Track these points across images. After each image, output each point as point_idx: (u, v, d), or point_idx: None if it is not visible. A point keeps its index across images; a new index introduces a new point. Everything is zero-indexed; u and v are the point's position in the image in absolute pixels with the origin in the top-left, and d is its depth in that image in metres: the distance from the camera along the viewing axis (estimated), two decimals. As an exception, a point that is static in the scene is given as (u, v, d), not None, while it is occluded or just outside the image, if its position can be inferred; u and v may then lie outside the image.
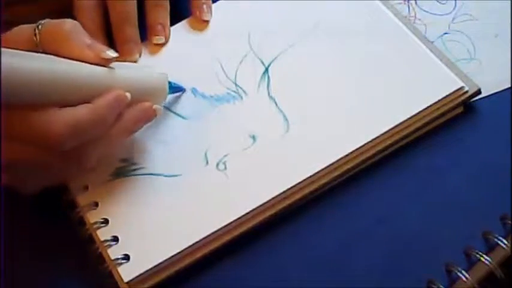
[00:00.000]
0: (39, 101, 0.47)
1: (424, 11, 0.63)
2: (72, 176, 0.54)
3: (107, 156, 0.53)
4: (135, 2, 0.59)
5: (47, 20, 0.50)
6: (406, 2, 0.63)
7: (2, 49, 0.45)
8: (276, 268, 0.53)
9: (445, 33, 0.62)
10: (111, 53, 0.51)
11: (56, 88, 0.47)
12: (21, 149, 0.47)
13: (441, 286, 0.49)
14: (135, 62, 0.60)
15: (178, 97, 0.59)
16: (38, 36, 0.49)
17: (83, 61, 0.50)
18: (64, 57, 0.49)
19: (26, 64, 0.46)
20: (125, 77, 0.52)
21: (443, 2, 0.63)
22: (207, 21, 0.62)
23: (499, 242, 0.50)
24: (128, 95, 0.51)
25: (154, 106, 0.54)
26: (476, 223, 0.52)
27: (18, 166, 0.48)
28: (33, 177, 0.50)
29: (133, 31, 0.59)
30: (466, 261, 0.50)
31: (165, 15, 0.61)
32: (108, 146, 0.51)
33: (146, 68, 0.57)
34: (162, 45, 0.62)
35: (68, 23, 0.50)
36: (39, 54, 0.48)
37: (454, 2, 0.63)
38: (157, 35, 0.61)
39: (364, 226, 0.53)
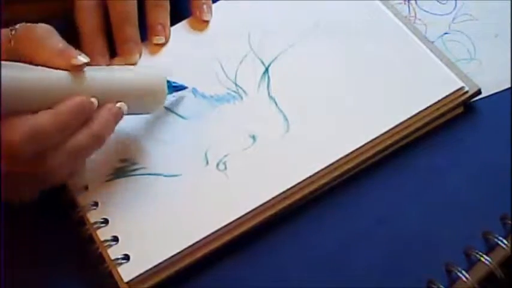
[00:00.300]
0: (5, 110, 0.46)
1: (424, 11, 0.63)
2: (45, 185, 0.52)
3: (80, 163, 0.52)
4: (136, 2, 0.59)
5: (21, 24, 0.50)
6: (406, 2, 0.63)
7: None
8: (276, 268, 0.53)
9: (446, 33, 0.62)
10: (83, 58, 0.50)
11: (21, 97, 0.47)
12: None
13: (441, 286, 0.49)
14: (135, 62, 0.59)
15: (181, 97, 0.59)
16: (12, 41, 0.49)
17: (54, 68, 0.49)
18: (38, 63, 0.49)
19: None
20: (106, 81, 0.52)
21: (444, 2, 0.63)
22: (207, 22, 0.62)
23: (499, 242, 0.50)
24: (94, 100, 0.50)
25: (119, 104, 0.52)
26: (476, 223, 0.52)
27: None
28: (4, 188, 0.49)
29: (133, 31, 0.59)
30: (466, 261, 0.50)
31: (165, 16, 0.61)
32: (78, 152, 0.50)
33: (145, 69, 0.57)
34: (162, 45, 0.61)
35: (41, 28, 0.49)
36: (8, 63, 0.48)
37: (454, 2, 0.63)
38: (158, 35, 0.61)
39: (364, 226, 0.53)
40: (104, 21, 0.59)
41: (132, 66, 0.59)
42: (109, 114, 0.51)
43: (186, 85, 0.59)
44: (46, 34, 0.49)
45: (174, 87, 0.57)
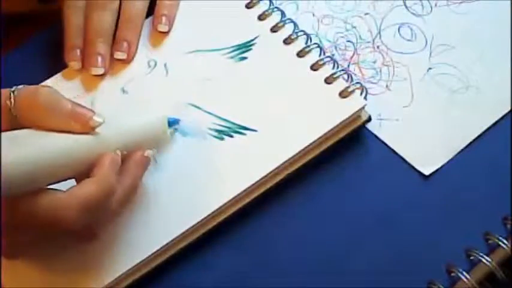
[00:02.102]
0: (35, 185, 0.45)
1: (398, 52, 0.61)
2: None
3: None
4: (115, 16, 0.59)
5: (21, 88, 0.47)
6: (377, 49, 0.61)
7: None
8: (276, 268, 0.53)
9: (430, 68, 0.60)
10: (98, 118, 0.48)
11: (49, 170, 0.46)
12: (30, 236, 0.46)
13: (441, 286, 0.50)
14: (97, 74, 0.59)
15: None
16: (13, 105, 0.46)
17: (67, 131, 0.47)
18: (45, 128, 0.46)
19: (18, 154, 0.44)
20: (120, 134, 0.50)
21: (412, 39, 0.61)
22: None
23: (500, 242, 0.50)
24: (119, 153, 0.49)
25: (146, 153, 0.51)
26: (477, 223, 0.52)
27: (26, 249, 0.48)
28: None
29: (104, 46, 0.58)
30: (467, 262, 0.51)
31: (134, 33, 0.60)
32: (118, 210, 0.50)
33: (143, 115, 0.54)
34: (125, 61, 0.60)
35: (43, 94, 0.47)
36: (23, 134, 0.46)
37: (423, 37, 0.61)
38: (120, 51, 0.59)
39: (365, 226, 0.53)
40: None
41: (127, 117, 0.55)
42: (136, 165, 0.50)
43: (178, 118, 0.56)
44: (51, 98, 0.47)
45: (171, 124, 0.55)
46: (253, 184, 0.53)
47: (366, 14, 0.63)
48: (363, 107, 0.56)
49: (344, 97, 0.56)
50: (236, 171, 0.54)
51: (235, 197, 0.53)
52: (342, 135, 0.56)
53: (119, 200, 0.48)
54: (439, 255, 0.51)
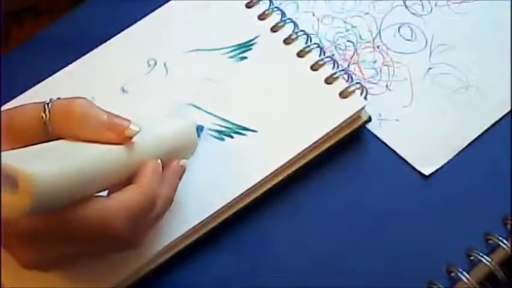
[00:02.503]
0: (72, 197, 0.44)
1: (399, 52, 0.61)
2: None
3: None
4: None
5: (55, 101, 0.46)
6: (377, 49, 0.60)
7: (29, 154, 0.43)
8: (276, 269, 0.53)
9: (430, 69, 0.60)
10: (134, 127, 0.47)
11: (86, 181, 0.44)
12: (73, 249, 0.45)
13: (441, 286, 0.50)
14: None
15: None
16: (48, 118, 0.46)
17: (103, 142, 0.46)
18: (80, 140, 0.46)
19: (55, 165, 0.43)
20: (154, 143, 0.49)
21: (413, 39, 0.61)
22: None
23: (500, 242, 0.51)
24: (159, 161, 0.48)
25: (181, 162, 0.50)
26: (477, 224, 0.52)
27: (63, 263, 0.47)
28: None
29: None
30: (467, 262, 0.51)
31: None
32: (157, 219, 0.49)
33: (173, 121, 0.54)
34: None
35: (79, 105, 0.46)
36: (59, 146, 0.45)
37: (423, 37, 0.61)
38: None
39: (365, 226, 0.54)
40: None
41: (163, 119, 0.55)
42: (174, 175, 0.50)
43: (202, 125, 0.56)
44: (86, 109, 0.46)
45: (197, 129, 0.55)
46: (253, 185, 0.53)
47: (366, 13, 0.62)
48: (363, 107, 0.56)
49: (344, 97, 0.56)
50: (236, 171, 0.54)
51: (236, 197, 0.53)
52: (342, 135, 0.56)
53: (159, 209, 0.48)
54: (439, 255, 0.52)
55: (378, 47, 0.61)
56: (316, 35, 0.61)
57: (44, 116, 0.46)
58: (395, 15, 0.62)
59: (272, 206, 0.55)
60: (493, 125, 0.57)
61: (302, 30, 0.59)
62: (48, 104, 0.46)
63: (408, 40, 0.61)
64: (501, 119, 0.57)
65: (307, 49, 0.58)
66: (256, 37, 0.59)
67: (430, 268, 0.51)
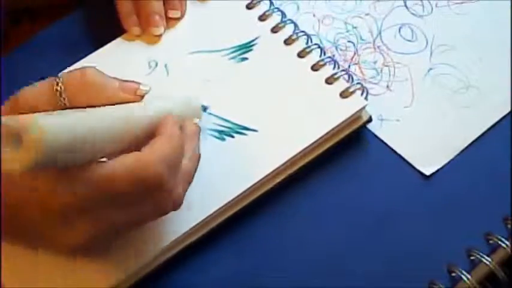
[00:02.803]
0: (97, 152, 0.44)
1: (399, 53, 0.61)
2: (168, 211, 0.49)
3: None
4: None
5: (63, 73, 0.47)
6: (378, 50, 0.60)
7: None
8: (276, 269, 0.52)
9: (430, 69, 0.60)
10: (145, 87, 0.49)
11: (110, 137, 0.45)
12: (126, 211, 0.45)
13: (442, 286, 0.50)
14: (159, 33, 0.60)
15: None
16: (62, 91, 0.46)
17: (118, 103, 0.48)
18: (98, 105, 0.46)
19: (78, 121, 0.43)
20: (161, 107, 0.50)
21: (413, 39, 0.61)
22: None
23: (501, 243, 0.51)
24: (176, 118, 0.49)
25: (196, 121, 0.52)
26: (478, 224, 0.52)
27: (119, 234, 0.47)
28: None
29: (159, 4, 0.60)
30: (468, 262, 0.51)
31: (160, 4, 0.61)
32: (189, 176, 0.49)
33: (177, 95, 0.54)
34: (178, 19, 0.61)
35: (90, 72, 0.47)
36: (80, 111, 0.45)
37: (423, 37, 0.61)
38: (174, 10, 0.61)
39: (366, 226, 0.54)
40: None
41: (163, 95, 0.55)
42: (193, 132, 0.50)
43: (205, 104, 0.57)
44: (98, 76, 0.47)
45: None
46: (253, 184, 0.53)
47: (367, 14, 0.62)
48: (364, 107, 0.56)
49: (345, 97, 0.56)
50: (237, 171, 0.54)
51: (236, 197, 0.53)
52: (342, 135, 0.56)
53: (188, 164, 0.48)
54: (439, 255, 0.52)
55: (378, 47, 0.61)
56: (316, 36, 0.61)
57: (58, 88, 0.46)
58: (396, 16, 0.62)
59: (272, 206, 0.55)
60: (493, 125, 0.57)
61: (302, 31, 0.59)
62: (59, 77, 0.46)
63: (409, 41, 0.61)
64: (501, 119, 0.57)
65: (307, 49, 0.58)
66: (256, 38, 0.60)
67: (431, 268, 0.51)
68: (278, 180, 0.54)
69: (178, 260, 0.52)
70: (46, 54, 0.62)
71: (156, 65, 0.59)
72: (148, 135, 0.47)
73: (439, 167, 0.55)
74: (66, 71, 0.48)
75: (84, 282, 0.49)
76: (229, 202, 0.53)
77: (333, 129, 0.55)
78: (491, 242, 0.51)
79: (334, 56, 0.60)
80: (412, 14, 0.62)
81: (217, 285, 0.52)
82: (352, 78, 0.57)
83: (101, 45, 0.60)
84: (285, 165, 0.54)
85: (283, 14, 0.60)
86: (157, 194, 0.45)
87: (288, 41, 0.59)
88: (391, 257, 0.52)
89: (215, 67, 0.58)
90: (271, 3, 0.61)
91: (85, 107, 0.46)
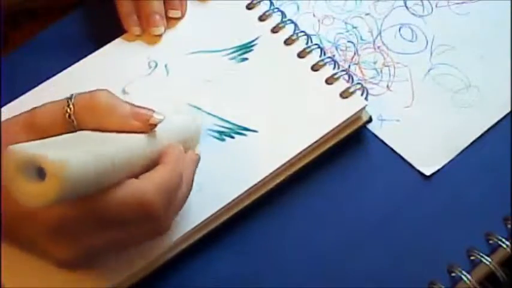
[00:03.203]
0: (100, 184, 0.44)
1: (399, 53, 0.61)
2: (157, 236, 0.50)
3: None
4: None
5: (76, 94, 0.47)
6: (378, 50, 0.60)
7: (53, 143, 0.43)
8: (276, 269, 0.52)
9: (431, 69, 0.60)
10: (158, 116, 0.48)
11: (119, 169, 0.45)
12: (116, 234, 0.45)
13: (442, 286, 0.50)
14: (160, 33, 0.60)
15: None
16: (72, 113, 0.46)
17: (127, 131, 0.47)
18: (106, 130, 0.46)
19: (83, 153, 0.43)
20: (167, 133, 0.50)
21: (413, 40, 0.61)
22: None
23: (501, 243, 0.51)
24: (181, 147, 0.49)
25: (197, 151, 0.52)
26: (479, 224, 0.52)
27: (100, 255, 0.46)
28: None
29: (159, 4, 0.60)
30: (468, 262, 0.51)
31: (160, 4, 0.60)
32: (182, 202, 0.49)
33: (181, 116, 0.54)
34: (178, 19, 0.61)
35: (103, 96, 0.47)
36: (85, 135, 0.45)
37: (423, 37, 0.61)
38: (174, 9, 0.61)
39: (366, 226, 0.54)
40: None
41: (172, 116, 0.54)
42: (192, 162, 0.50)
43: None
44: (110, 100, 0.47)
45: None
46: (254, 185, 0.53)
47: (367, 14, 0.62)
48: (364, 107, 0.56)
49: (345, 97, 0.56)
50: (237, 172, 0.54)
51: (236, 198, 0.53)
52: (342, 135, 0.56)
53: (184, 190, 0.48)
54: (440, 255, 0.52)
55: (378, 47, 0.61)
56: (316, 36, 0.61)
57: (68, 110, 0.46)
58: (396, 16, 0.62)
59: (273, 207, 0.54)
60: (493, 125, 0.57)
61: (302, 31, 0.59)
62: (70, 98, 0.47)
63: (409, 41, 0.61)
64: (502, 119, 0.57)
65: (307, 50, 0.58)
66: (256, 38, 0.60)
67: (431, 268, 0.51)
68: (278, 180, 0.54)
69: (178, 260, 0.52)
70: (46, 54, 0.61)
71: (156, 65, 0.59)
72: (151, 162, 0.47)
73: (439, 167, 0.55)
74: (78, 93, 0.47)
75: (84, 282, 0.49)
76: (229, 203, 0.53)
77: (333, 129, 0.55)
78: (491, 242, 0.51)
79: (334, 56, 0.60)
80: (412, 14, 0.62)
81: (218, 285, 0.52)
82: (352, 78, 0.57)
83: (101, 46, 0.60)
84: (285, 165, 0.54)
85: (283, 14, 0.60)
86: (150, 222, 0.46)
87: (288, 41, 0.59)
88: (391, 257, 0.52)
89: (215, 67, 0.58)
90: (271, 4, 0.61)
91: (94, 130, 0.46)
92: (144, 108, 0.48)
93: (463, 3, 0.62)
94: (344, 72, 0.57)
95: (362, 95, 0.56)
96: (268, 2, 0.61)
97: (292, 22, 0.60)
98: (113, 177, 0.44)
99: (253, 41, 0.60)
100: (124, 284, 0.50)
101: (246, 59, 0.59)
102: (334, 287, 0.52)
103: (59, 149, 0.42)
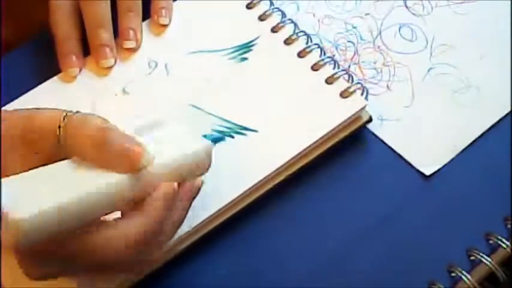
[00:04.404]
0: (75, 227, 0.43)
1: (399, 52, 0.61)
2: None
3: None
4: (109, 3, 0.59)
5: (71, 115, 0.45)
6: (378, 49, 0.60)
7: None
8: (276, 269, 0.52)
9: (431, 69, 0.60)
10: (148, 158, 0.45)
11: (91, 212, 0.44)
12: (77, 268, 0.45)
13: (442, 287, 0.50)
14: (109, 66, 0.59)
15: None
16: (61, 135, 0.45)
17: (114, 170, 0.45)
18: (90, 162, 0.45)
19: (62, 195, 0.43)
20: (165, 168, 0.47)
21: (413, 39, 0.61)
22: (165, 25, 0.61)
23: (501, 243, 0.51)
24: (175, 185, 0.46)
25: (197, 183, 0.49)
26: (479, 224, 0.52)
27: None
28: None
29: (107, 35, 0.59)
30: (468, 262, 0.51)
31: (137, 20, 0.60)
32: (165, 241, 0.48)
33: (188, 141, 0.50)
34: (134, 49, 0.60)
35: (93, 127, 0.45)
36: (64, 173, 0.44)
37: (423, 37, 0.61)
38: (128, 40, 0.60)
39: (366, 226, 0.54)
40: (78, 23, 0.59)
41: (179, 141, 0.51)
42: (187, 197, 0.48)
43: (222, 136, 0.56)
44: (100, 133, 0.44)
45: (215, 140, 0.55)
46: (253, 185, 0.53)
47: (367, 14, 0.62)
48: (364, 107, 0.56)
49: (345, 97, 0.56)
50: (236, 172, 0.53)
51: (236, 198, 0.53)
52: (342, 135, 0.56)
53: (168, 232, 0.47)
54: (439, 255, 0.52)
55: (378, 47, 0.61)
56: (316, 36, 0.61)
57: (58, 132, 0.44)
58: (396, 16, 0.62)
59: (272, 207, 0.54)
60: (493, 125, 0.57)
61: (302, 31, 0.59)
62: (65, 117, 0.45)
63: (409, 40, 0.61)
64: (502, 119, 0.57)
65: (307, 49, 0.58)
66: (256, 38, 0.59)
67: (431, 268, 0.51)
68: (278, 180, 0.54)
69: (178, 261, 0.52)
70: (46, 53, 0.61)
71: (156, 64, 0.59)
72: (138, 199, 0.45)
73: (439, 167, 0.55)
74: (72, 113, 0.45)
75: (83, 281, 0.49)
76: (229, 203, 0.53)
77: (333, 129, 0.55)
78: (491, 242, 0.51)
79: (334, 55, 0.60)
80: (412, 13, 0.62)
81: (218, 285, 0.52)
82: (352, 78, 0.57)
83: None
84: (285, 165, 0.54)
85: (283, 14, 0.60)
86: (123, 267, 0.46)
87: (288, 41, 0.59)
88: (390, 256, 0.52)
89: (215, 67, 0.58)
90: (271, 3, 0.61)
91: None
92: (136, 144, 0.45)
93: (462, 2, 0.62)
94: (344, 72, 0.57)
95: (362, 94, 0.56)
96: (268, 2, 0.61)
97: (292, 22, 0.59)
98: (86, 220, 0.44)
99: (252, 40, 0.60)
100: (124, 284, 0.51)
101: (246, 58, 0.59)
102: (334, 287, 0.52)
103: (32, 191, 0.43)
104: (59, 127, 0.45)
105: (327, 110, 0.55)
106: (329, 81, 0.57)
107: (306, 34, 0.59)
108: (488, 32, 0.61)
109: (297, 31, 0.59)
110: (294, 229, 0.54)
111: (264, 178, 0.53)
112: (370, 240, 0.53)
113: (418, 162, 0.55)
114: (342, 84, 0.56)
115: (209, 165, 0.49)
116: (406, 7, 0.63)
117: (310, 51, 0.58)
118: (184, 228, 0.51)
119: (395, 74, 0.59)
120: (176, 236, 0.51)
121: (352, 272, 0.52)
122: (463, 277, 0.50)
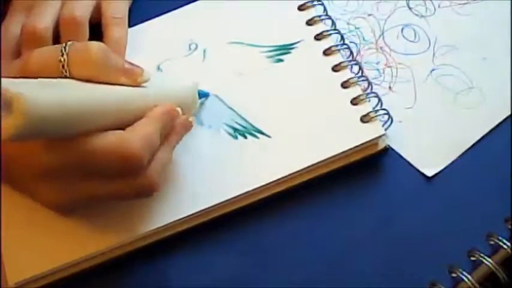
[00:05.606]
0: (85, 129, 0.45)
1: (401, 53, 0.61)
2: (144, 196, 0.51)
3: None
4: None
5: (71, 44, 0.48)
6: (380, 50, 0.60)
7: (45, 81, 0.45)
8: (276, 269, 0.53)
9: (433, 70, 0.60)
10: (147, 75, 0.50)
11: (100, 114, 0.46)
12: (102, 185, 0.47)
13: (443, 287, 0.50)
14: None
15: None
16: (65, 61, 0.47)
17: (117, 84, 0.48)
18: (96, 82, 0.47)
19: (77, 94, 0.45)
20: (159, 92, 0.51)
21: (416, 40, 0.61)
22: None
23: (502, 244, 0.51)
24: (179, 109, 0.51)
25: (190, 118, 0.53)
26: (480, 225, 0.52)
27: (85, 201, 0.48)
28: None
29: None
30: (469, 263, 0.51)
31: (123, 33, 0.59)
32: (165, 163, 0.50)
33: (175, 79, 0.55)
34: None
35: (96, 49, 0.48)
36: (71, 82, 0.47)
37: (426, 38, 0.61)
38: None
39: (367, 227, 0.54)
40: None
41: (161, 75, 0.57)
42: (182, 126, 0.51)
43: (209, 92, 0.57)
44: (103, 54, 0.48)
45: (200, 96, 0.56)
46: (252, 190, 0.53)
47: (369, 15, 0.62)
48: (381, 136, 0.55)
49: (365, 122, 0.55)
50: (240, 172, 0.54)
51: (234, 198, 0.53)
52: (353, 159, 0.55)
53: (166, 152, 0.49)
54: (441, 256, 0.52)
55: (381, 48, 0.61)
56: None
57: (62, 59, 0.47)
58: (399, 17, 0.62)
59: (272, 207, 0.55)
60: (496, 127, 0.57)
61: (346, 44, 0.58)
62: (65, 47, 0.47)
63: (411, 41, 0.61)
64: (504, 120, 0.57)
65: (343, 64, 0.57)
66: (298, 42, 0.59)
67: (432, 269, 0.51)
68: (277, 190, 0.54)
69: (179, 260, 0.53)
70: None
71: (196, 47, 0.59)
72: (139, 118, 0.48)
73: (441, 168, 0.55)
74: (71, 42, 0.48)
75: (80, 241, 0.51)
76: (226, 200, 0.53)
77: (343, 152, 0.54)
78: (492, 242, 0.52)
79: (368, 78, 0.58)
80: (415, 14, 0.62)
81: (218, 285, 0.52)
82: (381, 103, 0.56)
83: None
84: (287, 177, 0.54)
85: (333, 23, 0.59)
86: (133, 173, 0.47)
87: (327, 52, 0.58)
88: (392, 257, 0.52)
89: (250, 61, 0.58)
90: (325, 9, 0.60)
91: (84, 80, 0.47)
92: (135, 65, 0.49)
93: (466, 3, 0.62)
94: (373, 95, 0.56)
95: (387, 121, 0.55)
96: (322, 8, 0.60)
97: (339, 33, 0.59)
98: (91, 123, 0.45)
99: (294, 43, 0.59)
100: (124, 249, 0.52)
101: (282, 60, 0.58)
102: (334, 287, 0.52)
103: (39, 89, 0.43)
104: (62, 57, 0.47)
105: (344, 131, 0.54)
106: (354, 101, 0.56)
107: (348, 48, 0.58)
108: (491, 33, 0.60)
109: (340, 43, 0.58)
110: (294, 229, 0.54)
111: (263, 186, 0.53)
112: (371, 240, 0.53)
113: (420, 163, 0.55)
114: (366, 107, 0.55)
115: (195, 107, 0.54)
116: (409, 8, 0.63)
117: (346, 66, 0.57)
118: (181, 215, 0.52)
119: (398, 75, 0.59)
120: (179, 216, 0.52)
121: (353, 272, 0.52)
122: (464, 278, 0.50)
